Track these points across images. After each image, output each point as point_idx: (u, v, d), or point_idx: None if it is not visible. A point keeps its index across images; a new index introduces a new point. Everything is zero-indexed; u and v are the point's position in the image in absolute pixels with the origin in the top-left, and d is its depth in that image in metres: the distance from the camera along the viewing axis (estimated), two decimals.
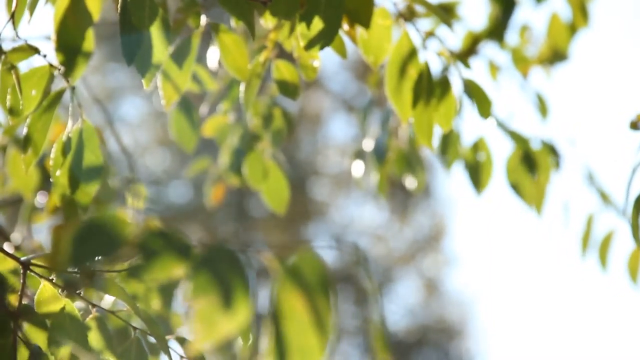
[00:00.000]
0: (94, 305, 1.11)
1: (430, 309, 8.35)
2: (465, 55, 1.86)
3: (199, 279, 0.72)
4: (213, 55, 1.59)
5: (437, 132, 1.37)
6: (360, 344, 8.12)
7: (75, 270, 0.75)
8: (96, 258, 0.73)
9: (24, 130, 1.23)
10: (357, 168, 1.95)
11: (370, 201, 8.10)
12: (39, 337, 1.09)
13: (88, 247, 0.73)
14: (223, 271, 0.73)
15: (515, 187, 1.83)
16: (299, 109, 7.69)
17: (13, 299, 1.12)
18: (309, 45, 1.22)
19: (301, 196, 7.75)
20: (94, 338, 1.09)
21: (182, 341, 1.13)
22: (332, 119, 8.19)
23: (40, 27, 1.47)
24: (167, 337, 1.11)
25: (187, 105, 1.79)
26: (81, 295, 1.10)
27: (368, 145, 1.92)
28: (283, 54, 1.37)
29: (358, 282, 8.11)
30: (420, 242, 8.35)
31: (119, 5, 1.16)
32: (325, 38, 1.22)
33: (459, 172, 1.85)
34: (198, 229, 7.68)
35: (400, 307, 8.28)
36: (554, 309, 10.62)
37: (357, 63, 7.64)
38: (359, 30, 1.30)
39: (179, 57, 1.35)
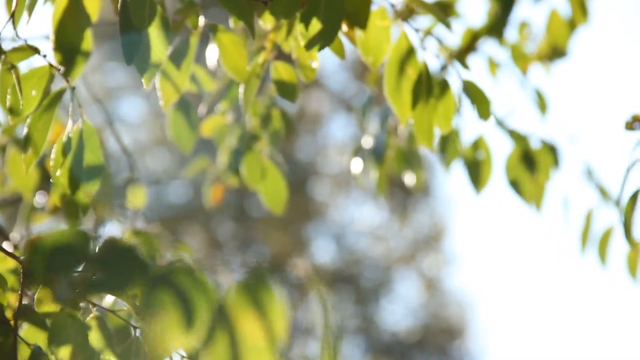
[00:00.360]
0: (94, 305, 1.11)
1: (430, 308, 8.34)
2: (464, 52, 1.86)
3: (155, 294, 0.73)
4: (211, 55, 1.59)
5: (437, 132, 1.37)
6: (361, 344, 8.11)
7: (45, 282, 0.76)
8: (61, 271, 0.74)
9: (24, 130, 1.23)
10: (356, 166, 1.95)
11: (370, 201, 8.10)
12: (38, 337, 1.09)
13: (53, 262, 0.74)
14: (181, 288, 0.73)
15: (515, 186, 1.83)
16: (299, 109, 7.69)
17: (13, 299, 1.12)
18: (309, 46, 1.22)
19: (301, 196, 7.74)
20: (94, 338, 1.09)
21: None
22: (332, 119, 8.19)
23: (40, 26, 1.48)
24: None
25: (185, 105, 1.78)
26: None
27: (367, 143, 1.92)
28: (282, 55, 1.37)
29: (358, 282, 8.11)
30: (420, 242, 8.35)
31: (118, 5, 1.16)
32: (325, 39, 1.22)
33: (458, 171, 1.85)
34: (197, 230, 7.68)
35: (400, 307, 8.28)
36: (554, 307, 10.62)
37: (356, 63, 7.64)
38: (358, 31, 1.30)
39: (177, 57, 1.35)
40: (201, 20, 1.40)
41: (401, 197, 8.13)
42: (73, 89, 1.23)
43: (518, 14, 1.96)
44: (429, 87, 1.33)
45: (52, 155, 1.23)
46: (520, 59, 1.96)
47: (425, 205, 8.31)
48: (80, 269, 0.74)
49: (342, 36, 1.31)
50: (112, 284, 0.74)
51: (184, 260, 0.74)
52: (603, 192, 1.97)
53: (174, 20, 1.39)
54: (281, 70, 1.38)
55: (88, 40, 1.26)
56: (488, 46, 1.91)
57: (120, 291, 0.74)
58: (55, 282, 0.75)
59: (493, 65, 1.92)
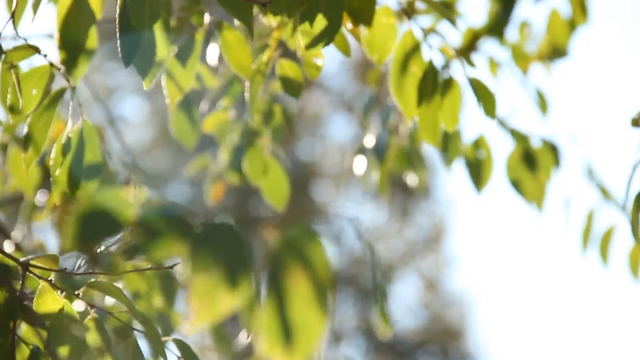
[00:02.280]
0: (92, 306, 1.10)
1: (431, 309, 8.34)
2: (465, 51, 1.86)
3: (199, 255, 0.72)
4: (214, 52, 1.59)
5: (441, 130, 1.37)
6: (361, 344, 8.11)
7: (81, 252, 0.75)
8: (100, 239, 0.73)
9: (25, 129, 1.23)
10: (359, 165, 1.95)
11: (370, 201, 8.10)
12: (37, 338, 1.09)
13: (91, 229, 0.73)
14: (224, 247, 0.72)
15: (516, 185, 1.83)
16: (299, 110, 7.69)
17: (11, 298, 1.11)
18: (311, 44, 1.22)
19: (301, 196, 7.74)
20: (92, 339, 1.09)
21: (179, 342, 1.13)
22: (332, 120, 8.19)
23: (41, 25, 1.48)
24: (166, 337, 1.11)
25: (188, 102, 1.79)
26: (80, 296, 1.10)
27: (369, 142, 1.92)
28: (287, 52, 1.37)
29: (358, 283, 8.11)
30: (420, 243, 8.35)
31: (118, 6, 1.16)
32: (327, 37, 1.22)
33: (459, 172, 1.85)
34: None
35: (400, 307, 8.28)
36: (555, 308, 10.61)
37: (357, 63, 7.64)
38: (363, 28, 1.30)
39: (182, 55, 1.35)
40: (206, 18, 1.39)
41: (401, 198, 8.13)
42: (73, 88, 1.23)
43: (518, 13, 1.96)
44: (434, 85, 1.32)
45: (52, 155, 1.22)
46: (520, 58, 1.96)
47: (425, 206, 8.31)
48: (120, 233, 0.74)
49: (347, 34, 1.31)
50: (156, 245, 0.73)
51: (226, 221, 0.73)
52: (604, 192, 1.97)
53: (179, 17, 1.39)
54: (286, 68, 1.38)
55: (93, 38, 1.26)
56: (489, 46, 1.91)
57: (163, 252, 0.73)
58: (95, 248, 0.74)
59: (494, 64, 1.92)
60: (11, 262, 1.11)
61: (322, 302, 0.72)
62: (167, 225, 0.73)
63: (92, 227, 0.73)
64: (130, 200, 0.74)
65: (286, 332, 0.71)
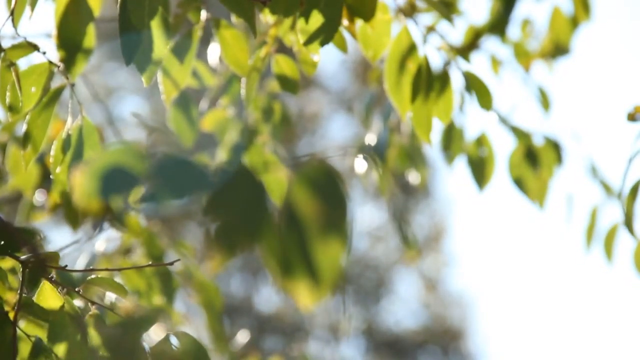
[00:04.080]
0: (93, 303, 1.10)
1: (431, 309, 8.35)
2: (466, 49, 1.86)
3: (217, 197, 0.71)
4: (213, 51, 1.59)
5: (437, 126, 1.37)
6: (361, 344, 8.12)
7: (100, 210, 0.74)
8: (118, 193, 0.73)
9: (24, 127, 1.23)
10: (360, 164, 1.94)
11: (370, 201, 8.10)
12: (38, 333, 1.09)
13: (108, 184, 0.73)
14: (241, 191, 0.72)
15: (518, 183, 1.82)
16: (299, 110, 7.70)
17: (11, 297, 1.11)
18: (309, 42, 1.22)
19: None
20: (93, 335, 1.09)
21: (183, 335, 1.12)
22: (332, 120, 8.20)
23: (40, 25, 1.47)
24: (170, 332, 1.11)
25: (186, 100, 1.78)
26: (80, 293, 1.10)
27: (370, 141, 1.92)
28: (283, 48, 1.37)
29: (358, 283, 8.11)
30: (420, 243, 8.35)
31: (118, 4, 1.16)
32: (325, 34, 1.21)
33: (459, 171, 1.85)
34: (197, 228, 7.68)
35: (400, 307, 8.28)
36: (556, 307, 10.62)
37: (356, 63, 7.65)
38: (359, 25, 1.30)
39: (179, 52, 1.35)
40: (203, 15, 1.39)
41: (402, 197, 8.14)
42: (72, 85, 1.23)
43: (520, 11, 1.96)
44: (429, 81, 1.33)
45: (52, 152, 1.22)
46: (522, 56, 1.96)
47: (425, 206, 8.31)
48: (135, 186, 0.73)
49: (343, 30, 1.31)
50: (173, 193, 0.72)
51: (242, 168, 0.73)
52: (607, 189, 1.97)
53: (176, 14, 1.38)
54: (282, 64, 1.38)
55: (91, 36, 1.26)
56: (491, 44, 1.91)
57: (181, 200, 0.72)
58: (110, 203, 0.74)
59: (496, 62, 1.92)
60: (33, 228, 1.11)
61: (339, 233, 0.71)
62: (184, 173, 0.73)
63: (108, 182, 0.73)
64: (144, 153, 0.74)
65: (308, 268, 0.71)
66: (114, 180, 0.73)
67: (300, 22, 1.21)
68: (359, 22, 1.29)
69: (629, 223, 1.24)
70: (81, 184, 0.73)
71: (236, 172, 0.72)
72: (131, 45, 1.17)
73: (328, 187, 0.72)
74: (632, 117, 1.29)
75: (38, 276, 1.06)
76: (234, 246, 0.71)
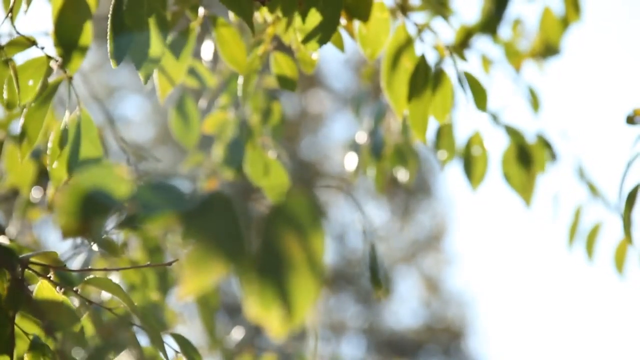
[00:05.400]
0: (90, 302, 1.11)
1: (432, 308, 8.34)
2: (458, 49, 1.86)
3: (191, 223, 0.72)
4: (209, 47, 1.59)
5: (432, 125, 1.37)
6: (362, 343, 8.11)
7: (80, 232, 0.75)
8: (97, 216, 0.74)
9: (20, 121, 1.23)
10: (350, 161, 1.95)
11: (371, 201, 8.10)
12: (36, 332, 1.10)
13: (87, 206, 0.73)
14: (216, 217, 0.72)
15: (510, 181, 1.83)
16: (302, 109, 7.69)
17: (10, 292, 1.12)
18: (306, 40, 1.22)
19: None
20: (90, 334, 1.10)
21: (177, 337, 1.13)
22: (335, 119, 8.19)
23: (38, 23, 1.48)
24: (162, 332, 1.11)
25: (187, 101, 1.79)
26: (78, 292, 1.10)
27: (362, 138, 1.93)
28: (281, 46, 1.38)
29: (358, 283, 8.10)
30: (421, 242, 8.34)
31: (112, 3, 1.16)
32: (323, 34, 1.22)
33: (458, 170, 1.85)
34: None
35: (401, 306, 8.28)
36: (555, 306, 10.60)
37: (359, 62, 7.64)
38: (357, 24, 1.30)
39: (175, 49, 1.35)
40: (200, 12, 1.40)
41: (402, 197, 8.13)
42: (70, 79, 1.22)
43: (511, 11, 1.96)
44: (425, 79, 1.33)
45: (49, 146, 1.22)
46: (513, 56, 1.97)
47: (426, 205, 8.30)
48: (117, 208, 0.74)
49: (341, 29, 1.32)
50: (150, 217, 0.73)
51: (221, 192, 0.73)
52: (592, 189, 1.98)
53: (173, 11, 1.39)
54: (281, 62, 1.38)
55: (87, 33, 1.26)
56: (482, 43, 1.91)
57: (157, 223, 0.73)
58: (92, 225, 0.74)
59: (486, 62, 1.92)
60: (13, 246, 1.11)
61: (315, 266, 0.72)
62: (162, 197, 0.74)
63: (88, 204, 0.74)
64: (124, 176, 0.74)
65: (281, 298, 0.71)
66: (95, 201, 0.74)
67: (299, 21, 1.21)
68: (357, 21, 1.30)
69: (627, 228, 1.23)
70: (63, 203, 0.74)
71: (213, 197, 0.73)
72: (121, 46, 1.17)
73: (307, 221, 0.72)
74: (631, 120, 1.27)
75: (17, 297, 1.06)
76: (210, 270, 0.71)
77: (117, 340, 1.04)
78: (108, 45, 1.16)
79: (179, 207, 0.72)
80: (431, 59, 1.36)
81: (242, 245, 0.71)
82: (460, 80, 1.39)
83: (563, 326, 11.05)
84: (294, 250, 0.71)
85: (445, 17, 1.37)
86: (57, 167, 1.21)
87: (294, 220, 0.71)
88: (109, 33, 1.15)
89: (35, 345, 1.07)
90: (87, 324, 1.09)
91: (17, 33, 1.24)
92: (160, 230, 0.71)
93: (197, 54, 1.64)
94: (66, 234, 0.76)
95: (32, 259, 1.10)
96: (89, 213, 0.73)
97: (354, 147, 1.95)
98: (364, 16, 1.27)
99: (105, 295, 1.40)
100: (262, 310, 0.71)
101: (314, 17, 1.20)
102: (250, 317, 0.71)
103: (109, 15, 1.15)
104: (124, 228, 0.73)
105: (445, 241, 8.37)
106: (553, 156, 1.84)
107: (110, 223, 0.75)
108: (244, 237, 0.71)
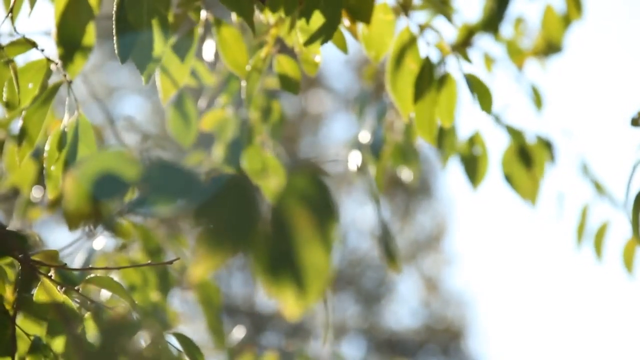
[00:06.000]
0: (91, 301, 1.11)
1: (432, 308, 8.34)
2: (460, 48, 1.86)
3: (204, 205, 0.72)
4: (210, 48, 1.59)
5: (437, 126, 1.37)
6: (362, 344, 8.11)
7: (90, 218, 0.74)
8: (106, 199, 0.73)
9: (20, 122, 1.23)
10: (354, 161, 1.95)
11: (371, 201, 8.10)
12: (37, 332, 1.10)
13: (98, 189, 0.73)
14: (232, 196, 0.72)
15: (511, 181, 1.83)
16: (302, 109, 7.69)
17: (10, 294, 1.12)
18: (309, 41, 1.22)
19: None
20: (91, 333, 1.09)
21: (179, 336, 1.13)
22: (336, 119, 8.19)
23: (40, 23, 1.48)
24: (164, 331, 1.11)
25: (185, 100, 1.79)
26: (79, 291, 1.10)
27: (364, 138, 1.93)
28: (284, 48, 1.37)
29: (359, 283, 8.11)
30: (421, 242, 8.35)
31: (115, 2, 1.16)
32: (325, 34, 1.22)
33: (458, 170, 1.85)
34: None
35: (401, 306, 8.28)
36: (555, 306, 10.61)
37: (360, 63, 7.64)
38: (360, 25, 1.30)
39: (179, 51, 1.35)
40: (203, 14, 1.39)
41: (402, 197, 8.13)
42: (70, 82, 1.23)
43: (513, 9, 1.96)
44: (431, 81, 1.32)
45: (47, 148, 1.22)
46: (515, 54, 1.96)
47: (426, 205, 8.31)
48: (125, 191, 0.74)
49: (344, 31, 1.31)
50: (164, 199, 0.72)
51: (235, 173, 0.73)
52: (598, 187, 1.98)
53: (176, 13, 1.39)
54: (284, 64, 1.38)
55: (90, 34, 1.26)
56: (484, 42, 1.91)
57: (168, 208, 0.72)
58: (102, 208, 0.74)
59: (489, 60, 1.92)
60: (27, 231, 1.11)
61: (327, 242, 0.71)
62: (175, 179, 0.73)
63: (98, 187, 0.74)
64: (135, 158, 0.74)
65: (295, 276, 0.71)
66: (105, 185, 0.74)
67: (301, 22, 1.21)
68: (361, 23, 1.29)
69: (635, 231, 1.23)
70: (72, 188, 0.73)
71: (228, 177, 0.73)
72: (127, 44, 1.17)
73: (317, 194, 0.71)
74: (636, 123, 1.27)
75: (30, 280, 1.06)
76: (221, 252, 0.71)
77: (122, 340, 1.04)
78: (114, 44, 1.16)
79: (190, 190, 0.72)
80: (435, 59, 1.35)
81: (256, 225, 0.71)
82: (465, 82, 1.38)
83: (563, 326, 11.05)
84: (305, 228, 0.71)
85: (447, 16, 1.37)
86: (54, 170, 1.21)
87: (305, 195, 0.71)
88: (114, 31, 1.15)
89: (36, 347, 1.07)
90: (89, 324, 1.09)
91: (18, 33, 1.24)
92: (171, 214, 0.70)
93: (197, 54, 1.64)
94: (74, 222, 0.76)
95: (33, 258, 1.10)
96: (99, 196, 0.73)
97: (357, 146, 1.95)
98: (366, 18, 1.27)
99: (105, 294, 1.40)
100: (276, 288, 0.71)
101: (315, 17, 1.20)
102: (267, 295, 0.71)
103: (114, 14, 1.15)
104: (134, 211, 0.73)
105: (445, 241, 8.38)
106: (554, 156, 1.84)
107: (121, 206, 0.74)
108: (258, 217, 0.71)
